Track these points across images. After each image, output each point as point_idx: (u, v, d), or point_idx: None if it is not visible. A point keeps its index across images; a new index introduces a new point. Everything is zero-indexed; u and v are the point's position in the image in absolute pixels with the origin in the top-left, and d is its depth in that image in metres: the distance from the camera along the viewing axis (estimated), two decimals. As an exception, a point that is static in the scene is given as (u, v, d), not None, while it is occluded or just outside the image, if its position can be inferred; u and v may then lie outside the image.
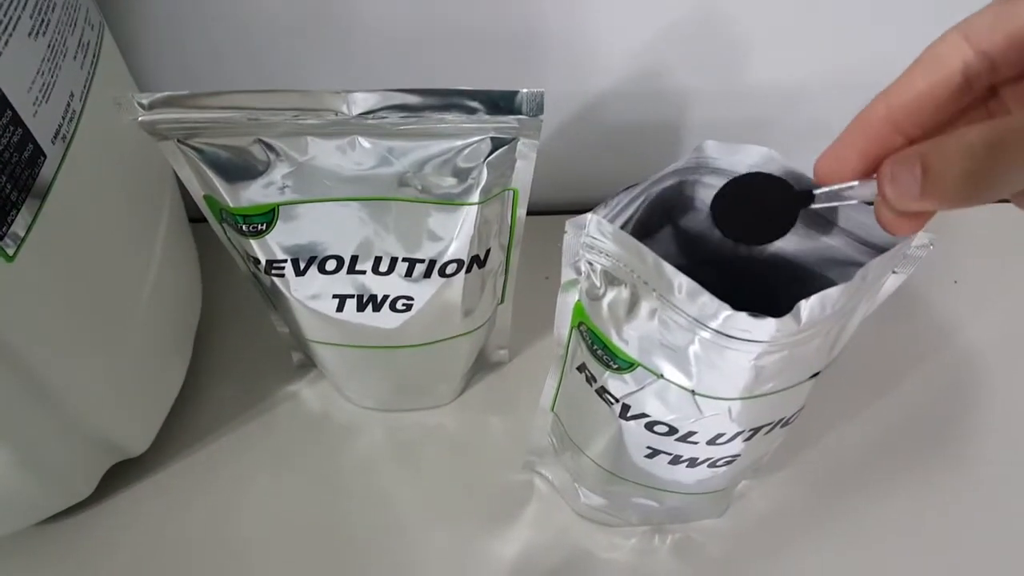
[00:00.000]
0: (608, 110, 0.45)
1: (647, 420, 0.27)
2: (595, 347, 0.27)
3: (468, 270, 0.33)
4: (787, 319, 0.22)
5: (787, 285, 0.29)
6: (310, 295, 0.33)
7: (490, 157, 0.29)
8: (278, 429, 0.40)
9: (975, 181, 0.18)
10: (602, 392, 0.28)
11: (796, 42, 0.43)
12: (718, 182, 0.27)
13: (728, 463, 0.29)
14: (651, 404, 0.27)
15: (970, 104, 0.22)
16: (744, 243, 0.24)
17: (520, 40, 0.42)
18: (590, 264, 0.25)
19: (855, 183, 0.22)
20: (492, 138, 0.29)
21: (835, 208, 0.26)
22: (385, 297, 0.34)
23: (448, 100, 0.27)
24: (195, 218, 0.41)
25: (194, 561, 0.35)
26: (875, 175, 0.21)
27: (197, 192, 0.31)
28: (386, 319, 0.35)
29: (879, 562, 0.36)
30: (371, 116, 0.27)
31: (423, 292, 0.34)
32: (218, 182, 0.29)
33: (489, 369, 0.42)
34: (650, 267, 0.23)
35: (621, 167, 0.45)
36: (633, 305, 0.25)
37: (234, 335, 0.43)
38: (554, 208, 0.46)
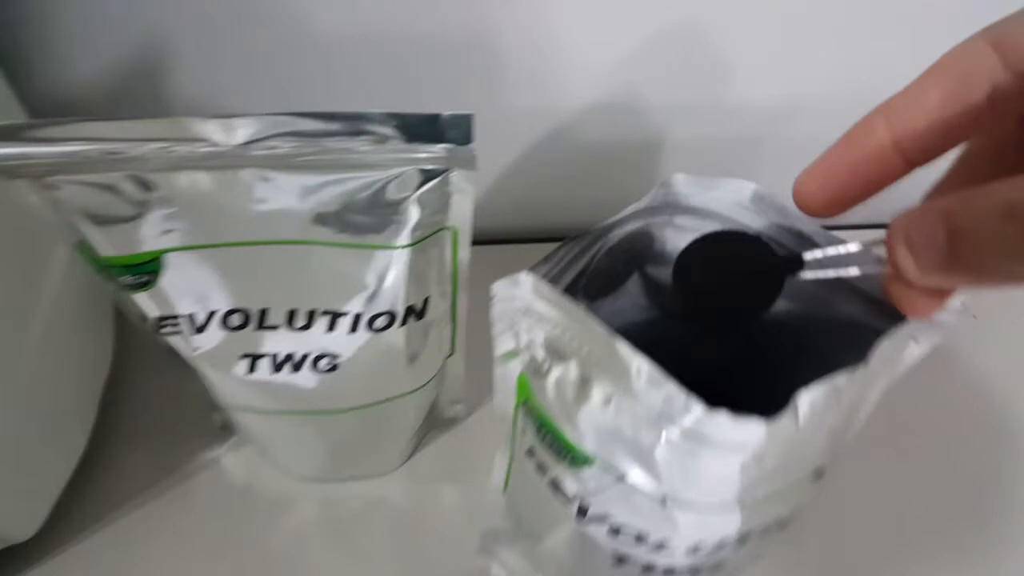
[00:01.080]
0: (579, 129, 0.40)
1: (609, 525, 0.22)
2: (543, 433, 0.22)
3: (403, 323, 0.28)
4: (782, 420, 0.16)
5: (782, 346, 0.24)
6: (214, 355, 0.28)
7: (418, 192, 0.24)
8: (194, 505, 0.34)
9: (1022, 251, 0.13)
10: (555, 486, 0.23)
11: (786, 54, 0.38)
12: (693, 223, 0.22)
13: (713, 571, 0.24)
14: (613, 508, 0.21)
15: (995, 137, 0.17)
16: (715, 324, 0.19)
17: (479, 54, 0.36)
18: (529, 333, 0.20)
19: (856, 246, 0.17)
20: (421, 170, 0.24)
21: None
22: (305, 356, 0.28)
23: (353, 126, 0.21)
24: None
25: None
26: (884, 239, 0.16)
27: (67, 239, 0.26)
28: (309, 380, 0.29)
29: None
30: (257, 145, 0.21)
31: (350, 349, 0.28)
32: (85, 227, 0.24)
33: (442, 427, 0.37)
34: (601, 343, 0.18)
35: (596, 190, 0.40)
36: (584, 387, 0.19)
37: (148, 393, 0.37)
38: (520, 236, 0.41)
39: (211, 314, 0.27)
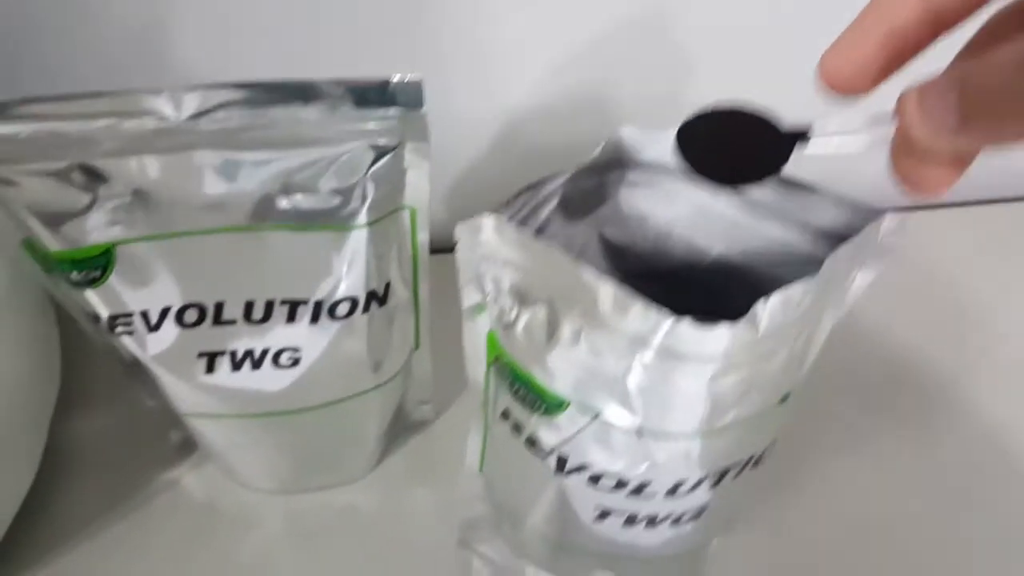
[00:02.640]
0: (530, 130, 0.41)
1: (589, 473, 0.22)
2: (516, 386, 0.22)
3: (366, 309, 0.28)
4: (743, 325, 0.17)
5: (740, 297, 0.24)
6: (170, 356, 0.27)
7: (372, 169, 0.24)
8: (155, 527, 0.32)
9: None
10: (532, 443, 0.23)
11: (753, 45, 0.38)
12: (645, 178, 0.23)
13: (694, 517, 0.24)
14: (591, 452, 0.21)
15: None
16: (719, 182, 0.18)
17: (421, 54, 0.37)
18: (495, 282, 0.20)
19: (861, 117, 0.16)
20: (373, 146, 0.24)
21: (789, 195, 0.21)
22: (265, 351, 0.28)
23: (302, 92, 0.22)
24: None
25: None
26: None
27: (13, 239, 0.25)
28: (270, 378, 0.28)
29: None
30: (206, 118, 0.22)
31: (312, 341, 0.28)
32: (34, 221, 0.24)
33: (411, 430, 0.36)
34: (567, 276, 0.18)
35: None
36: (554, 327, 0.19)
37: (100, 415, 0.36)
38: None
39: (165, 311, 0.26)
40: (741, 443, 0.21)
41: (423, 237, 0.28)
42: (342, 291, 0.27)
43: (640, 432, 0.20)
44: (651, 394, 0.19)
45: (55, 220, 0.24)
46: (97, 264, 0.25)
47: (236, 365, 0.28)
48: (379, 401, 0.32)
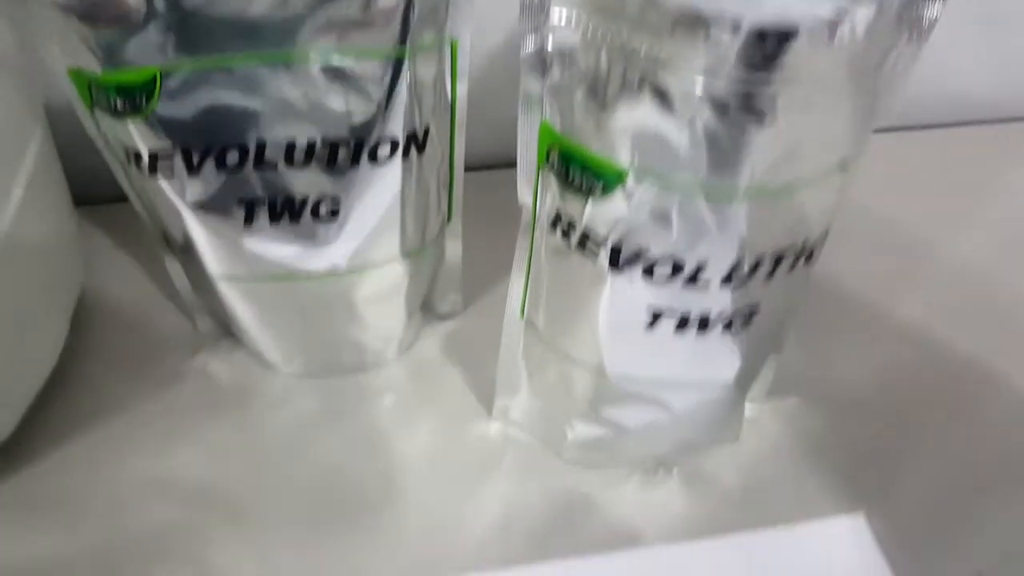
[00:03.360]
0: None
1: (645, 262, 0.22)
2: (571, 173, 0.22)
3: (405, 154, 0.28)
4: (817, 29, 0.17)
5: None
6: (209, 203, 0.27)
7: None
8: (183, 409, 0.31)
9: None
10: (584, 243, 0.23)
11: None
12: None
13: (745, 323, 0.24)
14: (648, 230, 0.21)
15: None
16: None
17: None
18: (557, 48, 0.21)
19: None
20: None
21: None
22: (304, 200, 0.28)
23: None
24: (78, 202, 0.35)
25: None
26: None
27: (60, 67, 0.25)
28: (308, 232, 0.28)
29: (921, 491, 0.30)
30: None
31: (351, 188, 0.28)
32: (82, 42, 0.24)
33: (439, 320, 0.36)
34: (633, 18, 0.19)
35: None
36: (616, 84, 0.20)
37: (124, 313, 0.35)
38: (505, 161, 0.41)
39: (206, 150, 0.26)
40: (795, 216, 0.22)
41: (462, 89, 0.28)
42: (382, 130, 0.27)
43: (701, 189, 0.20)
44: (715, 137, 0.19)
45: (105, 39, 0.24)
46: (142, 91, 0.25)
47: (275, 215, 0.28)
48: (411, 270, 0.32)
